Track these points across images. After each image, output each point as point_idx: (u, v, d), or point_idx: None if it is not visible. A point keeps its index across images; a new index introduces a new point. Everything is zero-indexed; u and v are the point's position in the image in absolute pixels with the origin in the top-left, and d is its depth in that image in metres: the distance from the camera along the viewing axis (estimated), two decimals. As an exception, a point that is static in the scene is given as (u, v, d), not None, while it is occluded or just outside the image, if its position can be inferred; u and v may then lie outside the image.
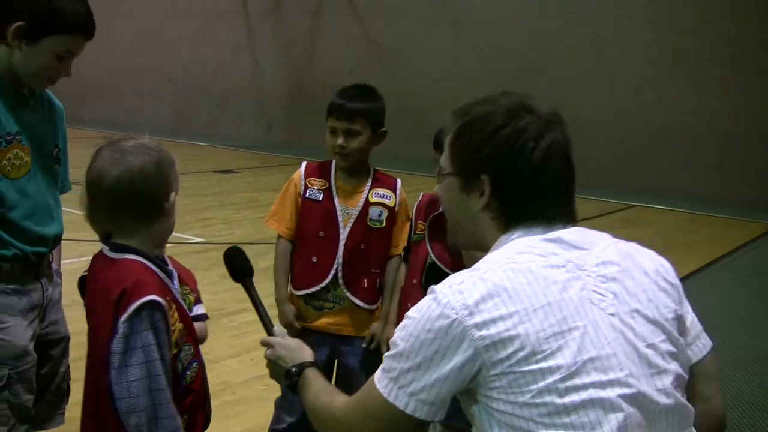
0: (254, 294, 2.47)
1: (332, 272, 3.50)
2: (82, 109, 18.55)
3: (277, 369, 2.25)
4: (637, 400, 1.64)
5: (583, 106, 12.63)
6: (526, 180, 1.80)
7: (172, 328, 2.25)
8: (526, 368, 1.61)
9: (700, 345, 1.90)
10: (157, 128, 17.16)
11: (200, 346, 2.81)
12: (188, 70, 18.18)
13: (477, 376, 1.66)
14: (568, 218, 1.86)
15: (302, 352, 2.22)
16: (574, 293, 1.68)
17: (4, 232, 2.71)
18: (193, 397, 2.37)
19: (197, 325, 2.79)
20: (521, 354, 1.61)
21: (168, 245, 2.91)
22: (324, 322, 3.55)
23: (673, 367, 1.74)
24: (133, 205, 2.27)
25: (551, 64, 13.53)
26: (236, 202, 10.84)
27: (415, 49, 15.31)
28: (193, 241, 8.35)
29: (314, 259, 3.52)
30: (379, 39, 15.85)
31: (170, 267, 2.44)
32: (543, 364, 1.61)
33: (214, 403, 2.81)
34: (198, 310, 2.92)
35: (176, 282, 2.42)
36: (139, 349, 2.15)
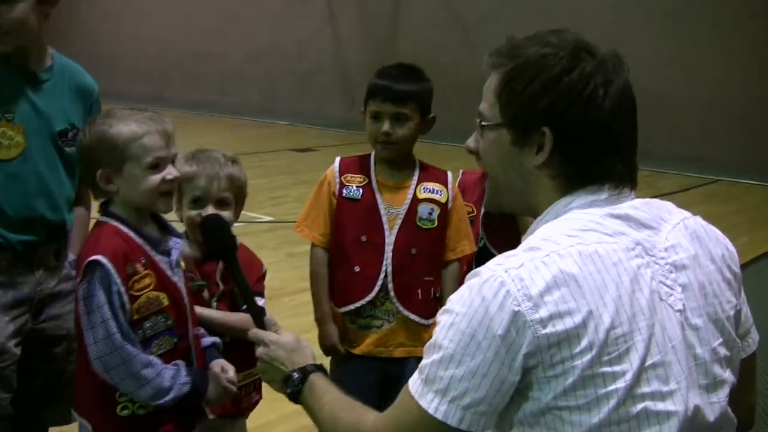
0: (243, 275, 2.19)
1: (379, 283, 3.06)
2: (167, 91, 18.83)
3: (272, 372, 1.96)
4: (689, 414, 1.46)
5: (665, 79, 12.27)
6: (597, 132, 1.57)
7: (137, 293, 2.25)
8: (590, 372, 1.42)
9: (750, 341, 1.73)
10: (242, 109, 17.42)
11: None
12: (271, 51, 18.23)
13: (527, 376, 1.46)
14: (634, 180, 1.64)
15: (303, 352, 1.95)
16: (645, 285, 1.49)
17: None
18: None
19: (241, 316, 2.69)
20: (588, 355, 1.42)
21: (238, 224, 2.90)
22: (372, 344, 3.11)
23: (728, 375, 1.57)
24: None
25: (632, 39, 13.02)
26: (310, 180, 10.68)
27: (499, 25, 14.97)
28: (262, 219, 8.37)
29: (357, 269, 3.08)
30: (462, 14, 15.58)
31: (172, 238, 2.43)
32: (608, 368, 1.42)
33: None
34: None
35: (175, 253, 2.41)
36: (97, 310, 2.19)
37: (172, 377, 2.29)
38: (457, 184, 3.23)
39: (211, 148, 2.88)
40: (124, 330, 2.22)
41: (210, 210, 2.72)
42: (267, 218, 8.46)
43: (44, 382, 2.82)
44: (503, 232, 3.05)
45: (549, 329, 1.42)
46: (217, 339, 2.64)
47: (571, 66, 1.58)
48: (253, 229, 7.65)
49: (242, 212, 2.91)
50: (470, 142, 1.76)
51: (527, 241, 1.57)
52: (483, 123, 1.71)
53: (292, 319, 5.41)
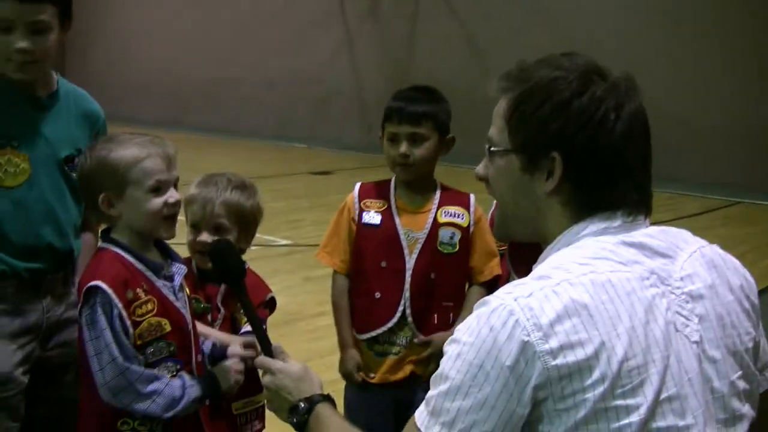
0: (250, 302, 2.13)
1: (400, 309, 3.03)
2: (186, 115, 18.94)
3: (279, 401, 1.91)
4: None
5: (685, 101, 12.25)
6: (608, 156, 1.52)
7: (139, 319, 2.25)
8: (602, 405, 1.36)
9: (767, 375, 1.65)
10: (259, 133, 17.46)
11: None
12: (288, 75, 18.31)
13: (537, 408, 1.40)
14: (648, 206, 1.58)
15: (311, 382, 1.89)
16: (660, 315, 1.43)
17: None
18: None
19: (244, 340, 2.66)
20: (600, 388, 1.36)
21: (254, 247, 2.88)
22: (387, 372, 3.08)
23: (747, 409, 1.50)
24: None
25: (649, 63, 13.00)
26: (328, 204, 10.69)
27: (515, 50, 14.88)
28: (279, 243, 8.34)
29: (377, 295, 3.05)
30: (478, 40, 15.60)
31: (175, 263, 2.42)
32: (621, 402, 1.36)
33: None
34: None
35: (177, 278, 2.40)
36: (100, 336, 2.20)
37: (181, 386, 2.29)
38: (489, 216, 3.09)
39: (224, 172, 2.83)
40: (127, 352, 2.22)
41: (204, 235, 2.68)
42: (284, 242, 8.42)
43: (53, 409, 2.77)
44: (530, 264, 3.00)
45: (559, 360, 1.36)
46: (214, 340, 2.62)
47: (582, 89, 1.53)
48: (270, 253, 7.62)
49: (259, 236, 2.85)
50: (479, 168, 1.70)
51: (537, 270, 1.53)
52: (492, 149, 1.65)
53: (308, 344, 5.36)
